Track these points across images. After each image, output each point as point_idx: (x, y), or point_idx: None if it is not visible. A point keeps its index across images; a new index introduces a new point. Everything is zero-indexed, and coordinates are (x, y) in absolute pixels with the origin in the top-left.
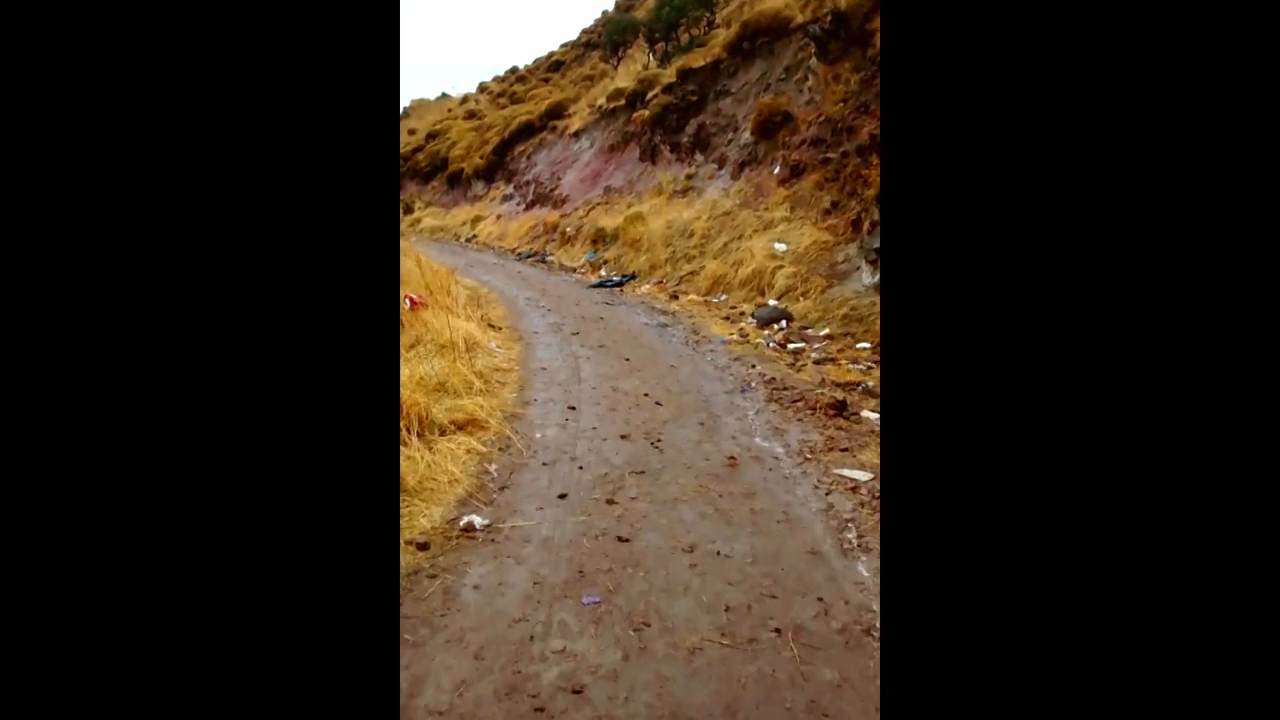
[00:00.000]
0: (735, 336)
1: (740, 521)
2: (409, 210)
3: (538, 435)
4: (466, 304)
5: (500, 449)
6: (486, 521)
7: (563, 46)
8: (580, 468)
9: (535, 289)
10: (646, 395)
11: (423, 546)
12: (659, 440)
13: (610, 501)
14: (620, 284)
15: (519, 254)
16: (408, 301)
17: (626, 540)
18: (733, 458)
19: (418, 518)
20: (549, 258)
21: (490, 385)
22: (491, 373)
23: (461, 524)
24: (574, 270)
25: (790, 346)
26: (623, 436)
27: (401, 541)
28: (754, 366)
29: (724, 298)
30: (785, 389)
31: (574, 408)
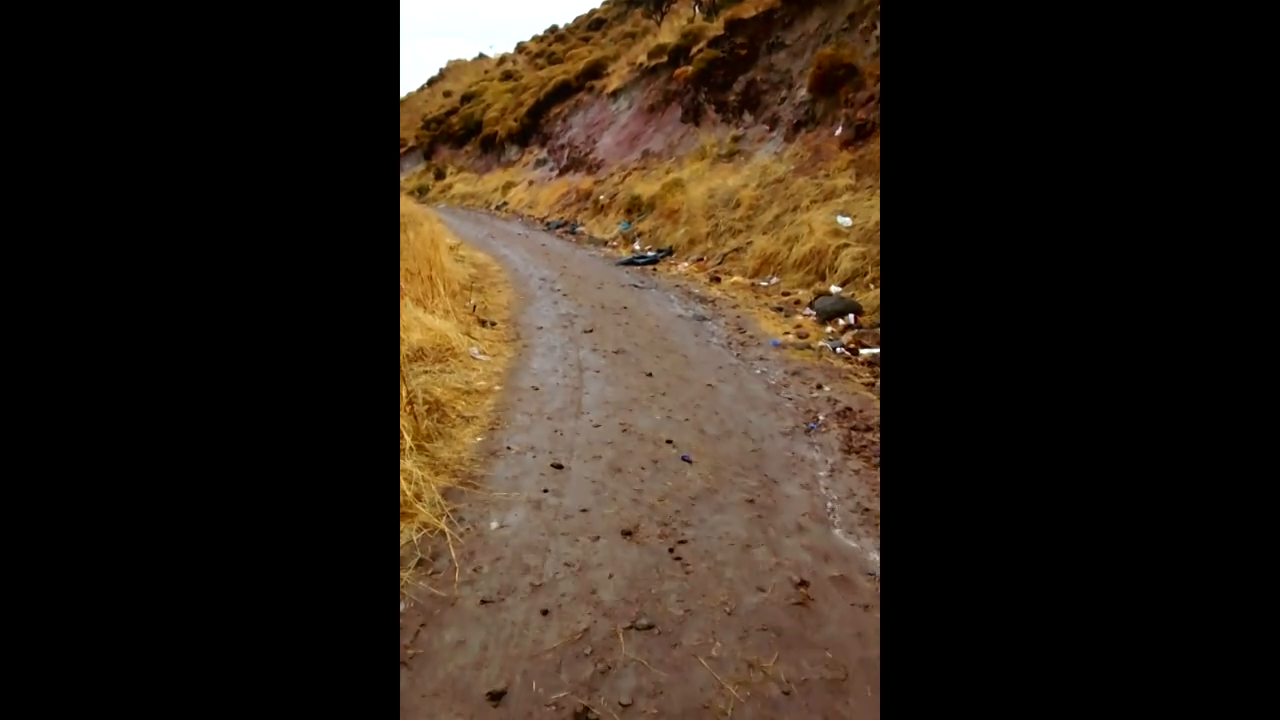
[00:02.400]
0: (792, 337)
1: None
2: (440, 176)
3: (493, 526)
4: (461, 289)
5: (420, 562)
6: None
7: (604, 4)
8: (544, 612)
9: (555, 267)
10: (670, 442)
11: None
12: (683, 540)
13: None
14: (653, 261)
15: (548, 223)
16: None
17: None
18: (803, 584)
19: None
20: (579, 228)
21: (446, 424)
22: (456, 399)
23: None
24: (605, 243)
25: (864, 353)
26: (625, 533)
27: None
28: (820, 387)
29: (774, 281)
30: (868, 429)
31: (561, 466)
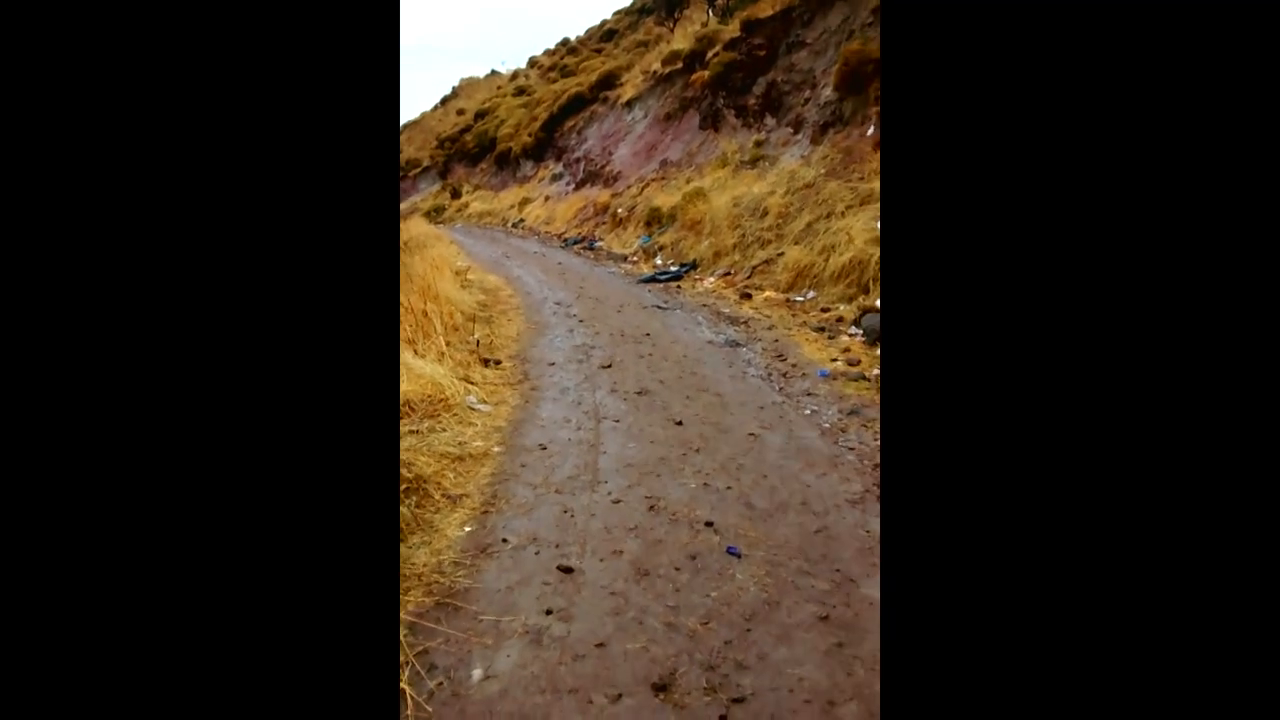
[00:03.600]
0: (841, 364)
1: None
2: (456, 195)
3: (474, 677)
4: (465, 321)
5: None
6: None
7: (616, 14)
8: None
9: (572, 288)
10: (710, 525)
11: None
12: (738, 699)
13: None
14: (677, 277)
15: (565, 239)
16: None
17: None
18: None
19: None
20: (597, 243)
21: (428, 508)
22: (444, 470)
23: None
24: (624, 259)
25: None
26: (658, 688)
27: None
28: None
29: (811, 295)
30: None
31: (570, 569)
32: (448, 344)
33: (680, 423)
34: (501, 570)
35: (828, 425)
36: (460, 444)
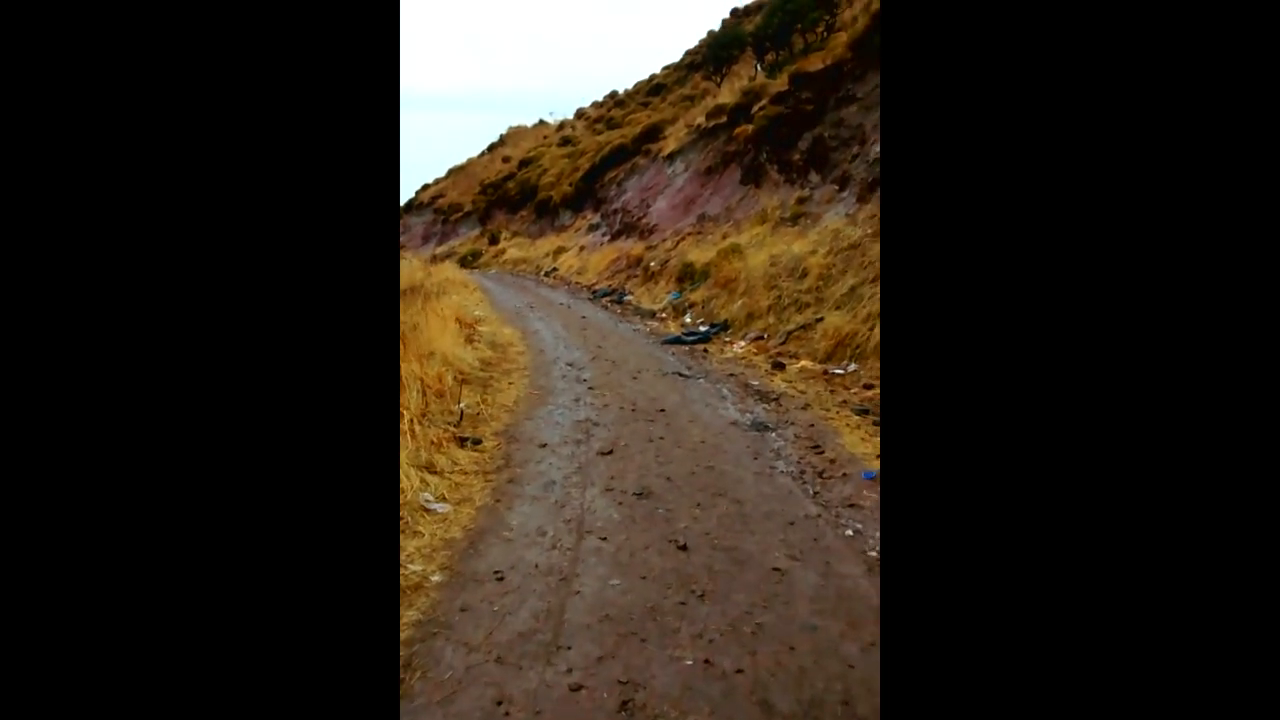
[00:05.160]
0: None
1: None
2: (494, 240)
3: None
4: (454, 384)
5: None
6: None
7: (664, 69)
8: None
9: (590, 347)
10: None
11: None
12: None
13: None
14: (705, 338)
15: (594, 291)
16: None
17: None
18: None
19: None
20: (626, 297)
21: None
22: None
23: None
24: (652, 315)
25: None
26: None
27: None
28: None
29: (852, 368)
30: None
31: None
32: (422, 415)
33: (685, 546)
34: None
35: (877, 556)
36: (406, 574)
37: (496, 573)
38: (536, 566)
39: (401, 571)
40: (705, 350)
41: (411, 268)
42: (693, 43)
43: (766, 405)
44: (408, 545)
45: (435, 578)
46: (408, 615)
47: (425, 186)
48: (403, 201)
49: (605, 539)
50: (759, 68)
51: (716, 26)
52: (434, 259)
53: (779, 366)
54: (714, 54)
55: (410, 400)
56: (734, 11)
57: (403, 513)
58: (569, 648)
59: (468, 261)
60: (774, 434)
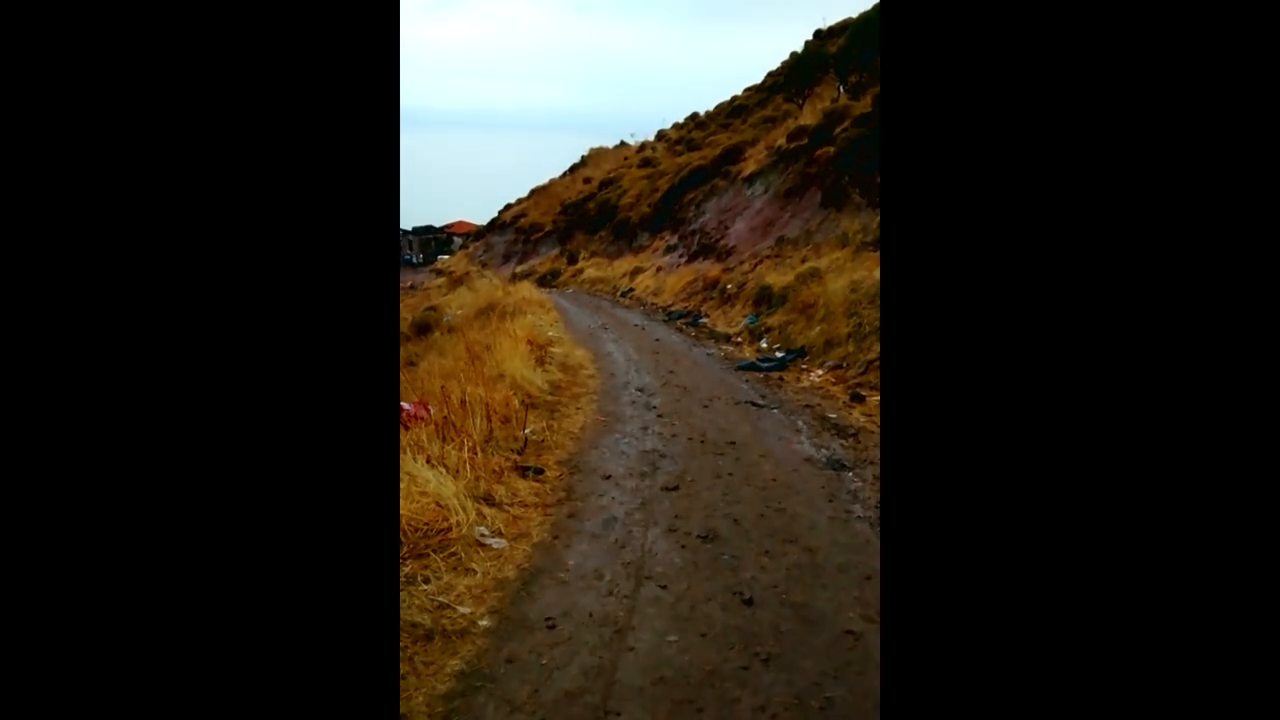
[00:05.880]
0: None
1: None
2: (573, 260)
3: None
4: (521, 409)
5: None
6: None
7: (746, 90)
8: None
9: (662, 371)
10: None
11: None
12: None
13: None
14: (781, 365)
15: (669, 313)
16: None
17: None
18: None
19: None
20: (702, 319)
21: None
22: None
23: None
24: (728, 339)
25: None
26: None
27: None
28: None
29: None
30: None
31: None
32: (485, 442)
33: (750, 600)
34: None
35: None
36: (439, 607)
37: (548, 620)
38: (590, 615)
39: (449, 614)
40: (780, 378)
41: (490, 286)
42: (775, 64)
43: (844, 441)
44: (458, 584)
45: (483, 622)
46: (450, 665)
47: (508, 206)
48: (485, 221)
49: (665, 587)
50: (841, 89)
51: (799, 48)
52: (514, 277)
53: (858, 399)
54: (796, 76)
55: (475, 425)
56: (817, 33)
57: (457, 548)
58: (618, 715)
59: (546, 281)
60: (851, 474)
